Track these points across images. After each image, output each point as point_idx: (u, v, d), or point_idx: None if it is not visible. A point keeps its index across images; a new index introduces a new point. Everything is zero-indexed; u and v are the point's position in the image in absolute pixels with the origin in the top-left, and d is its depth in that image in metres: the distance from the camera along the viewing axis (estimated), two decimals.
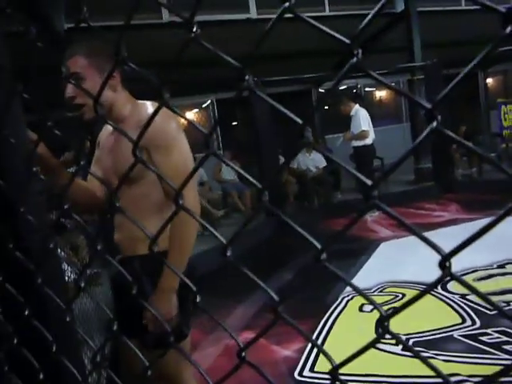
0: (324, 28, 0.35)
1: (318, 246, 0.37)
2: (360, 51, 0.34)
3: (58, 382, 0.77)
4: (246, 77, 0.38)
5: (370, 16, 0.38)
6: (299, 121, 0.35)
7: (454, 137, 0.30)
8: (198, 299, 0.48)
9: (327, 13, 8.70)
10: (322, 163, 6.92)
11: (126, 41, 0.54)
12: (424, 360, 0.36)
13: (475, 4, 0.29)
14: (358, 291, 0.36)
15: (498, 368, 0.32)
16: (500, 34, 0.27)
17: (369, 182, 0.34)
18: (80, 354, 0.89)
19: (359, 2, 8.43)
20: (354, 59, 0.33)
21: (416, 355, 0.37)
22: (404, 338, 2.56)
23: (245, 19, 8.10)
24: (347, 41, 0.34)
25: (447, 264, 0.30)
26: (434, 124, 0.31)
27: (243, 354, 0.45)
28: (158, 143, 1.33)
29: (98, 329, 2.49)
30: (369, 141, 5.77)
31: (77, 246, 2.94)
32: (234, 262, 0.44)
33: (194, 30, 0.41)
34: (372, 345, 0.36)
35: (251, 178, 0.42)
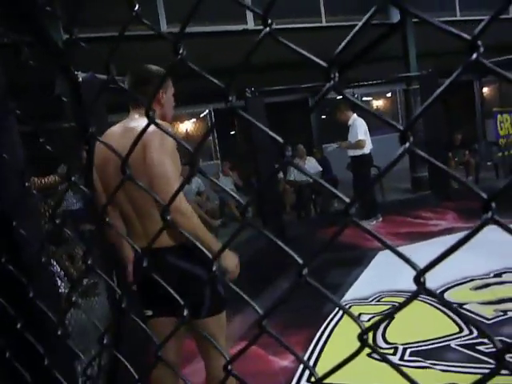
0: (302, 52, 0.37)
1: (300, 262, 0.38)
2: (337, 75, 0.35)
3: None
4: (230, 97, 0.39)
5: (348, 37, 0.40)
6: (280, 140, 0.36)
7: (425, 157, 0.31)
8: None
9: (324, 23, 8.80)
10: (318, 168, 6.98)
11: (123, 52, 0.55)
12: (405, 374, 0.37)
13: (443, 31, 0.31)
14: (337, 304, 0.37)
15: (495, 378, 0.33)
16: (466, 61, 0.28)
17: (347, 200, 0.35)
18: (73, 366, 0.89)
19: (355, 12, 8.53)
20: (331, 82, 0.35)
21: (399, 369, 0.38)
22: (401, 347, 2.56)
23: (241, 30, 8.19)
24: (324, 64, 0.35)
25: (421, 279, 0.31)
26: (407, 145, 0.32)
27: (229, 367, 0.45)
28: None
29: (96, 339, 2.48)
30: (366, 150, 5.79)
31: (73, 256, 2.93)
32: (219, 277, 0.45)
33: (181, 51, 0.42)
34: (353, 358, 0.37)
35: (234, 194, 0.43)
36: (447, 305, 0.32)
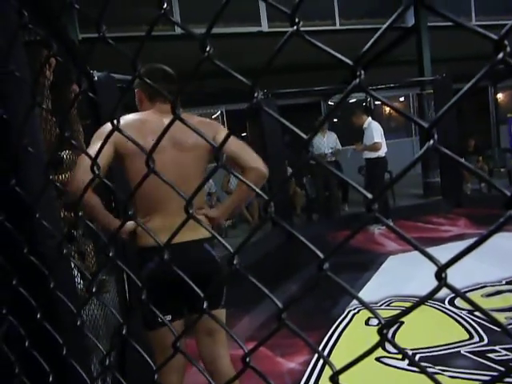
0: (329, 50, 0.38)
1: (321, 256, 0.39)
2: (362, 72, 0.36)
3: None
4: (256, 94, 0.40)
5: (375, 37, 0.41)
6: (304, 136, 0.37)
7: (449, 154, 0.32)
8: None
9: (338, 27, 8.79)
10: (337, 145, 6.69)
11: (141, 53, 0.57)
12: (427, 373, 0.37)
13: (469, 31, 0.31)
14: (357, 298, 0.38)
15: None
16: (493, 60, 0.29)
17: (369, 196, 0.36)
18: (88, 358, 0.91)
19: (369, 16, 8.51)
20: (357, 80, 0.35)
21: (419, 368, 0.38)
22: (411, 352, 2.54)
23: (256, 32, 8.21)
24: (350, 62, 0.36)
25: (443, 275, 0.32)
26: (431, 142, 0.33)
27: (247, 359, 0.46)
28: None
29: (105, 336, 2.50)
30: (381, 153, 5.78)
31: (83, 253, 2.97)
32: (240, 271, 0.46)
33: (208, 49, 0.43)
34: (372, 351, 0.37)
35: (258, 190, 0.44)
36: (471, 304, 0.32)
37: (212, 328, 1.71)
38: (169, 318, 1.63)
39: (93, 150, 1.51)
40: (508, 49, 0.29)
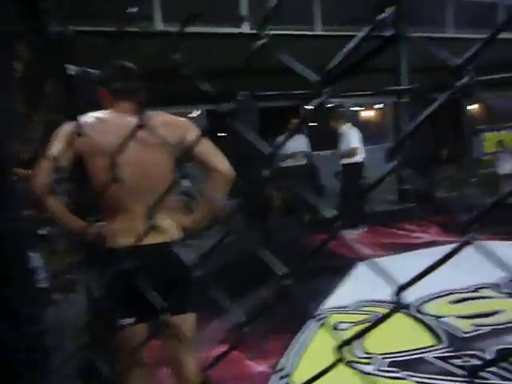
0: (294, 64, 0.38)
1: (282, 272, 0.39)
2: (328, 90, 0.36)
3: None
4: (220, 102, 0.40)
5: (342, 54, 0.41)
6: (266, 152, 0.37)
7: (409, 177, 0.32)
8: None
9: (319, 32, 8.85)
10: (304, 149, 6.63)
11: (118, 49, 0.55)
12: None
13: (432, 54, 0.32)
14: (315, 317, 0.38)
15: None
16: (453, 88, 0.29)
17: (330, 214, 0.36)
18: (47, 362, 0.88)
19: (351, 23, 8.61)
20: (322, 96, 0.35)
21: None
22: (379, 357, 2.57)
23: (237, 33, 8.20)
24: (315, 79, 0.36)
25: (399, 297, 0.32)
26: (395, 163, 0.33)
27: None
28: None
29: (71, 336, 2.45)
30: (359, 158, 5.84)
31: (53, 252, 2.90)
32: (202, 282, 0.45)
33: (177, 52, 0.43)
34: (328, 370, 0.37)
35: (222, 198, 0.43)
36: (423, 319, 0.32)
37: (177, 332, 1.68)
38: (132, 320, 1.61)
39: (53, 150, 1.49)
40: (467, 77, 0.29)
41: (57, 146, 1.48)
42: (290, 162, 6.42)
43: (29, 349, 0.78)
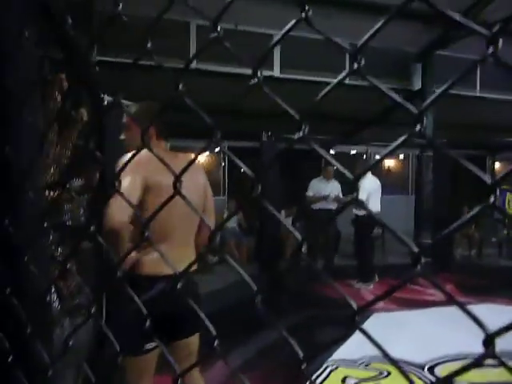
0: (282, 103, 0.40)
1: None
2: (307, 128, 0.39)
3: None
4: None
5: (322, 93, 0.42)
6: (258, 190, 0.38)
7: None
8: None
9: (277, 74, 8.95)
10: (339, 194, 6.46)
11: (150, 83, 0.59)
12: None
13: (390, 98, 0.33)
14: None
15: None
16: (410, 131, 0.30)
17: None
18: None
19: (307, 69, 8.80)
20: (300, 133, 0.39)
21: None
22: None
23: (268, 76, 8.45)
24: (297, 117, 0.39)
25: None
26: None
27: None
28: None
29: (74, 364, 2.42)
30: (373, 209, 5.78)
31: (66, 273, 2.90)
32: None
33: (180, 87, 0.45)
34: None
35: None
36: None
37: (190, 352, 1.88)
38: (153, 345, 1.70)
39: (126, 185, 1.56)
40: (425, 122, 0.32)
41: (131, 182, 1.60)
42: (319, 205, 6.38)
43: (31, 369, 0.79)
